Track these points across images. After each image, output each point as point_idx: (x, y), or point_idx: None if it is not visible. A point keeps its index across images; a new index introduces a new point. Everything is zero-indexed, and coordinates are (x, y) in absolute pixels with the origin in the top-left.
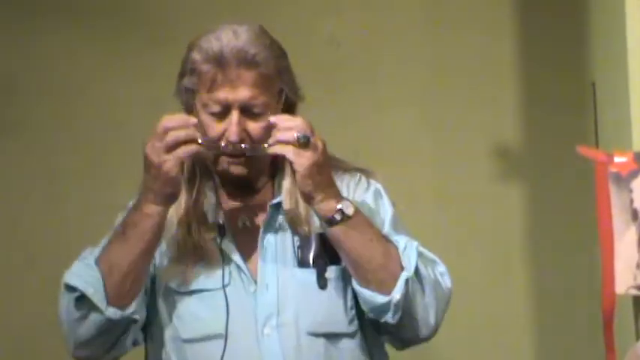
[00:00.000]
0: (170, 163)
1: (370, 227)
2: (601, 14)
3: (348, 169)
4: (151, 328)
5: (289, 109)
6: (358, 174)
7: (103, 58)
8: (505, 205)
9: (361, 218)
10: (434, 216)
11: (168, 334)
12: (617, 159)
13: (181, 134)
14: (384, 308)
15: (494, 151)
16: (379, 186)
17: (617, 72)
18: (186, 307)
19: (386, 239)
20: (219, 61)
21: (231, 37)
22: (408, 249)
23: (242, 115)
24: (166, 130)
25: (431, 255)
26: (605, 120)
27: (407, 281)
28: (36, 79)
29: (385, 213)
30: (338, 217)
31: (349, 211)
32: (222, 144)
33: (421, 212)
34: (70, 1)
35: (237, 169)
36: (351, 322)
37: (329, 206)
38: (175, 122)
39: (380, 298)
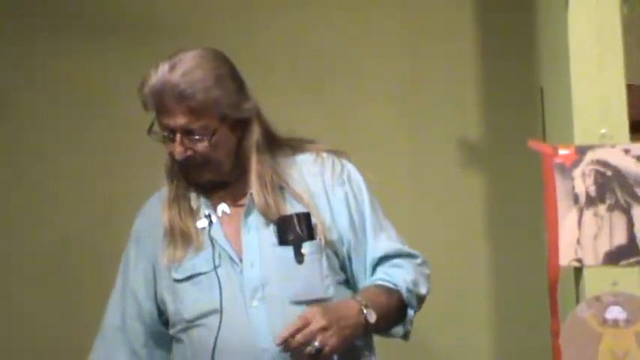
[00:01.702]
0: None
1: (383, 303)
2: (548, 29)
3: (320, 150)
4: (168, 316)
5: (241, 124)
6: (331, 157)
7: (125, 65)
8: (469, 189)
9: (377, 307)
10: (408, 199)
11: (176, 318)
12: (562, 151)
13: None
14: (399, 334)
15: (459, 144)
16: (350, 166)
17: (561, 79)
18: (186, 291)
19: (391, 293)
20: (155, 93)
21: (165, 71)
22: (408, 288)
23: (187, 136)
24: None
25: (409, 250)
26: (551, 118)
27: (414, 312)
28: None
29: (362, 198)
30: (371, 327)
31: (372, 318)
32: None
33: (397, 196)
34: (100, 18)
35: (198, 177)
36: (327, 289)
37: (360, 329)
38: None
39: (399, 331)
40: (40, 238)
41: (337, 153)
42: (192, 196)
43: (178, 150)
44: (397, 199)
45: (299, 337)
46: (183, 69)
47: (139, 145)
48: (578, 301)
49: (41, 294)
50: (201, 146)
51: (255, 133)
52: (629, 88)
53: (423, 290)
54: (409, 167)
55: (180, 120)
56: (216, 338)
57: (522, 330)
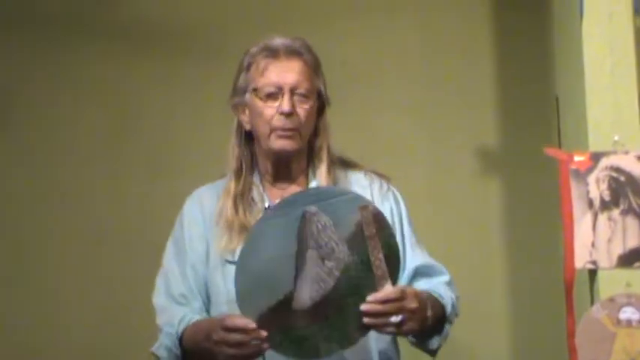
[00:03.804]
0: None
1: (437, 309)
2: (563, 41)
3: (367, 172)
4: (212, 298)
5: (321, 110)
6: (378, 178)
7: (160, 75)
8: (486, 196)
9: (433, 317)
10: (426, 206)
11: (224, 298)
12: (577, 158)
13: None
14: (434, 346)
15: (477, 152)
16: (394, 188)
17: (576, 88)
18: None
19: (438, 305)
20: (272, 51)
21: (281, 36)
22: (453, 304)
23: (293, 96)
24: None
25: (439, 267)
26: (567, 126)
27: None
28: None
29: (403, 216)
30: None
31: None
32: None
33: (416, 203)
34: (141, 33)
35: (287, 143)
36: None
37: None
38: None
39: (434, 342)
40: (77, 233)
41: (383, 177)
42: (254, 191)
43: (288, 102)
44: (415, 206)
45: (390, 306)
46: (293, 36)
47: (167, 154)
48: (592, 302)
49: (78, 283)
50: (304, 108)
51: (328, 130)
52: None
53: (457, 311)
54: (427, 175)
55: (290, 77)
56: None
57: (539, 330)
